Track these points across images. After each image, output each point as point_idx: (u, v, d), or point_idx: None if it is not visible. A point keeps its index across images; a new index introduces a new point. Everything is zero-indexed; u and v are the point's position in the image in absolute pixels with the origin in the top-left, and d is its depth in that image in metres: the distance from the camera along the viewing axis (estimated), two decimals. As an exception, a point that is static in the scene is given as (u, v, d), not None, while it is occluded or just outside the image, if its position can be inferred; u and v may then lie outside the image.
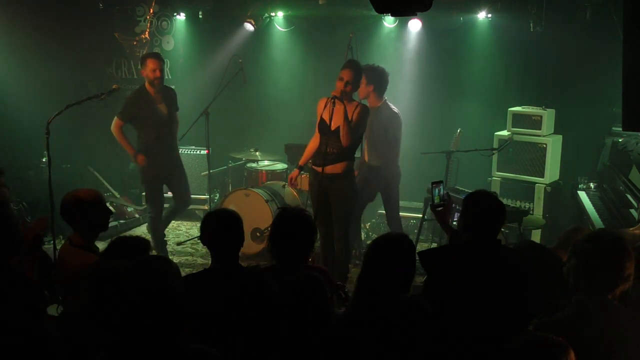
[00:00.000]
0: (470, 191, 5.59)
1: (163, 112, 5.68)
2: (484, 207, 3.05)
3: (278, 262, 3.06)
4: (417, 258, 2.88)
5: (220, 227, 2.93)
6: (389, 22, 7.34)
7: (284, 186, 6.47)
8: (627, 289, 2.49)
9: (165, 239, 6.15)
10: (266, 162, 7.00)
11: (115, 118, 5.65)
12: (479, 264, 2.96)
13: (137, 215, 7.48)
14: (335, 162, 4.83)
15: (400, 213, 6.03)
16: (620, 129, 5.40)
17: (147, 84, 5.65)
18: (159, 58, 5.65)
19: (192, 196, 6.27)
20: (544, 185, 6.19)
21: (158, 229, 5.92)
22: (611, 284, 2.45)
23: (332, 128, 4.80)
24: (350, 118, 4.73)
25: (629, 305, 2.63)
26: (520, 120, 6.33)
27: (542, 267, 3.22)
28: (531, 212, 6.06)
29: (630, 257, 2.44)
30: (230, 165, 7.19)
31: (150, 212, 5.93)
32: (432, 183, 3.69)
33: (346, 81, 4.74)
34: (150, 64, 5.55)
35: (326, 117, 4.79)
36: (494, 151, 6.33)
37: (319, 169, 4.85)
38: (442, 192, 3.70)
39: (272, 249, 3.08)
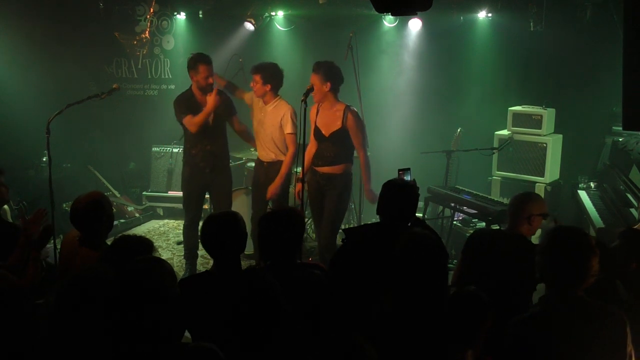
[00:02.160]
0: (470, 190, 5.64)
1: (208, 120, 5.26)
2: (390, 195, 3.32)
3: (268, 262, 3.03)
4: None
5: (219, 232, 2.93)
6: (389, 21, 7.34)
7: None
8: (591, 283, 2.51)
9: (197, 250, 5.60)
10: (266, 162, 6.99)
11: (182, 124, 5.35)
12: (380, 241, 3.18)
13: (137, 215, 7.49)
14: (333, 164, 4.97)
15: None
16: (621, 128, 5.41)
17: (194, 88, 5.31)
18: (210, 63, 5.23)
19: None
20: (544, 185, 6.19)
21: (189, 237, 5.54)
22: (577, 279, 2.48)
23: (326, 135, 4.93)
24: (342, 124, 4.87)
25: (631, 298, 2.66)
26: (521, 119, 6.34)
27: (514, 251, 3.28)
28: (531, 212, 6.05)
29: (595, 252, 2.48)
30: (230, 164, 7.18)
31: (184, 218, 5.65)
32: (399, 170, 3.75)
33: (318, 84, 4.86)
34: (203, 71, 5.17)
35: (320, 125, 4.91)
36: (494, 150, 6.33)
37: (317, 169, 5.02)
38: (409, 180, 3.75)
39: (261, 250, 3.04)
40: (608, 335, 2.44)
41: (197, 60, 5.20)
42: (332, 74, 4.86)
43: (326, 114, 4.93)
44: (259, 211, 5.35)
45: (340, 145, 4.96)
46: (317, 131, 4.99)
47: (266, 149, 5.38)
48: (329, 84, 4.85)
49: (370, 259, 3.15)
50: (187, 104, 5.28)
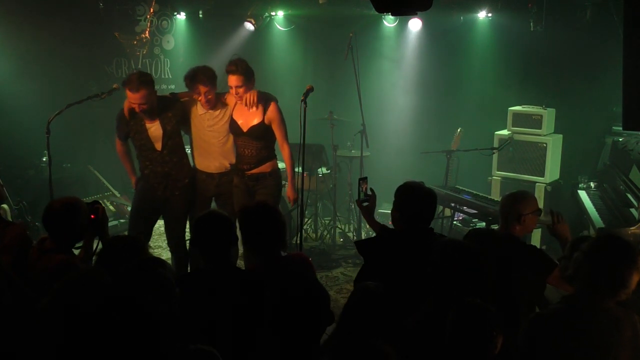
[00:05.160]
0: (470, 190, 5.65)
1: (153, 134, 4.63)
2: (415, 198, 3.19)
3: (262, 258, 3.00)
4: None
5: (208, 231, 2.93)
6: (389, 21, 7.35)
7: (284, 185, 6.46)
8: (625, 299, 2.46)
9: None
10: (266, 162, 6.98)
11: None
12: (411, 250, 3.10)
13: (137, 215, 7.48)
14: (260, 164, 4.72)
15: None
16: (621, 128, 5.41)
17: None
18: (134, 88, 4.36)
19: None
20: (544, 185, 6.19)
21: (172, 250, 4.97)
22: (612, 291, 2.43)
23: (245, 130, 4.65)
24: (262, 118, 4.63)
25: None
26: (521, 119, 6.34)
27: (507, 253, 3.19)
28: (531, 212, 6.05)
29: (638, 269, 2.41)
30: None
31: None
32: (359, 179, 3.74)
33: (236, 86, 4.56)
34: (127, 94, 4.45)
35: (237, 117, 4.66)
36: (494, 150, 6.34)
37: (245, 172, 4.75)
38: (367, 188, 3.73)
39: (252, 249, 3.02)
40: (628, 341, 2.41)
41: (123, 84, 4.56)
42: (251, 72, 4.61)
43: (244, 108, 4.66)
44: None
45: (263, 140, 4.67)
46: (234, 124, 4.65)
47: (220, 159, 4.81)
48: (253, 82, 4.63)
49: (401, 270, 3.01)
50: (123, 119, 4.73)
